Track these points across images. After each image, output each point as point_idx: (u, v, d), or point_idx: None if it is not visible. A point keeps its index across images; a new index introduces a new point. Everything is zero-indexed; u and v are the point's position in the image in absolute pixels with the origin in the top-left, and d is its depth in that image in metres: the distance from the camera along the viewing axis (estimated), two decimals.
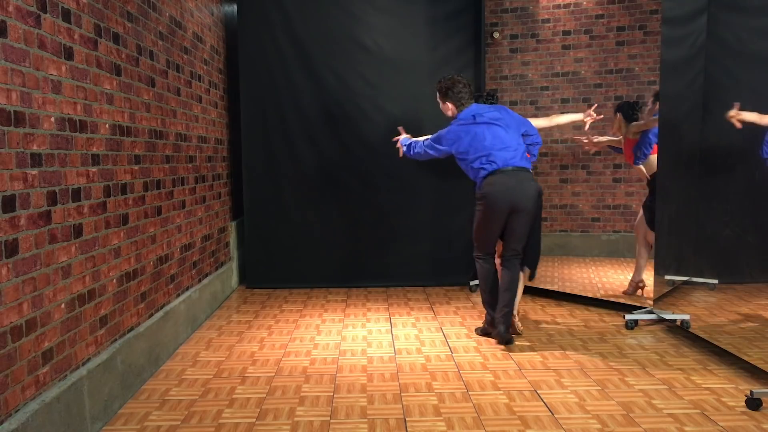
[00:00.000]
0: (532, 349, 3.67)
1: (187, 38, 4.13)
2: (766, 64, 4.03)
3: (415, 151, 4.08)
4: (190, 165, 4.10)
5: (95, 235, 2.72)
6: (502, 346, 3.71)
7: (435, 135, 3.97)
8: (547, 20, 5.66)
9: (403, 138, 4.25)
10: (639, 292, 4.65)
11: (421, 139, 4.44)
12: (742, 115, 3.78)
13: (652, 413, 2.76)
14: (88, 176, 2.66)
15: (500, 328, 3.73)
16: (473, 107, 3.85)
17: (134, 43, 3.21)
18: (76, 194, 2.56)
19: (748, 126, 3.84)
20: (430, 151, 3.98)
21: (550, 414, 2.77)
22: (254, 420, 2.74)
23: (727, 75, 4.34)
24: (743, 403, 2.85)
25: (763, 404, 2.81)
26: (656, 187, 4.39)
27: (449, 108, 3.92)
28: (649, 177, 4.52)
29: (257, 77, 5.20)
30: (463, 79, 3.91)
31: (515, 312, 3.96)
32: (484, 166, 3.70)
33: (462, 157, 3.82)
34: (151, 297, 3.39)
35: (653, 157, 4.40)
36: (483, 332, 3.92)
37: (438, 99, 3.99)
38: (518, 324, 3.97)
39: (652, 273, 4.23)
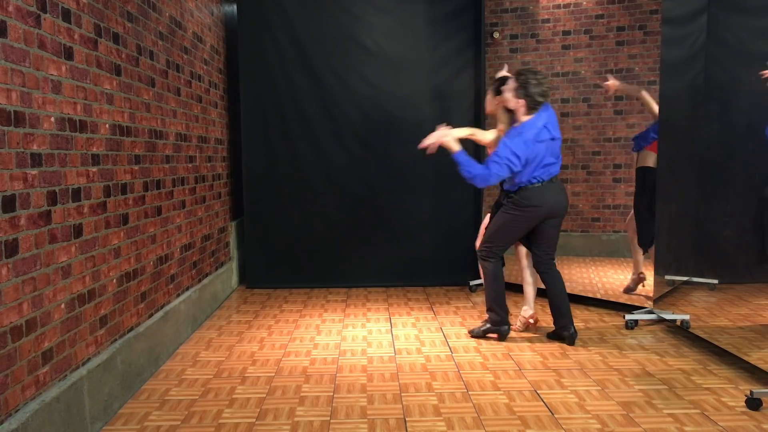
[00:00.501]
0: (532, 349, 3.68)
1: (187, 38, 4.13)
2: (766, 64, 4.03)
3: (485, 177, 3.52)
4: (190, 165, 4.10)
5: (95, 235, 2.72)
6: (502, 345, 3.71)
7: (509, 154, 3.47)
8: (547, 20, 5.65)
9: (456, 148, 3.56)
10: (641, 284, 4.64)
11: (447, 135, 3.75)
12: None
13: (652, 413, 2.76)
14: (88, 176, 2.66)
15: (571, 330, 3.70)
16: (543, 116, 3.56)
17: (134, 43, 3.21)
18: (76, 194, 2.56)
19: (747, 123, 3.85)
20: (507, 173, 3.52)
21: (550, 414, 2.77)
22: (254, 420, 2.74)
23: (727, 75, 4.34)
24: (743, 403, 2.85)
25: (763, 404, 2.81)
26: (640, 183, 4.47)
27: (520, 105, 3.53)
28: (636, 167, 4.60)
29: (257, 77, 5.21)
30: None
31: (529, 314, 3.96)
32: (537, 177, 3.60)
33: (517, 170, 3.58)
34: (151, 297, 3.39)
35: (648, 153, 4.43)
36: (480, 334, 3.89)
37: (508, 90, 3.58)
38: (519, 324, 3.98)
39: (652, 272, 4.23)
